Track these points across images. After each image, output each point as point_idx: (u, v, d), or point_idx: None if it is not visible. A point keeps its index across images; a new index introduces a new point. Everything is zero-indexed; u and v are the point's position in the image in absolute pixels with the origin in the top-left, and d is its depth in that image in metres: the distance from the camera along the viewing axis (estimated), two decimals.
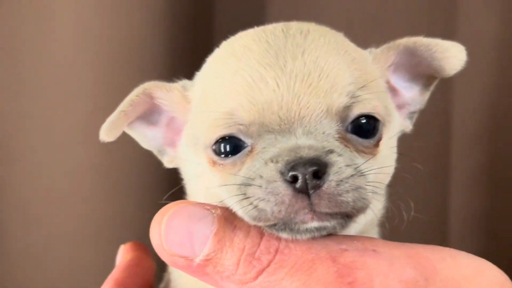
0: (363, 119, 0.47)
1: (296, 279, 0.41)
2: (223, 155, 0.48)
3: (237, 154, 0.47)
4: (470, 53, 0.95)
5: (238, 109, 0.46)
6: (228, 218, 0.44)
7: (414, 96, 0.57)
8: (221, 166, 0.48)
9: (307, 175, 0.41)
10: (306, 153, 0.42)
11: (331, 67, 0.46)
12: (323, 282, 0.41)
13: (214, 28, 0.97)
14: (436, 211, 1.03)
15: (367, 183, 0.44)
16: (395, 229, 1.00)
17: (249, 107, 0.46)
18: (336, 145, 0.44)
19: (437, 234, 1.03)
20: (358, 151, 0.46)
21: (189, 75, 0.59)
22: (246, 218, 0.44)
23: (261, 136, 0.46)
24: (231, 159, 0.47)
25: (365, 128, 0.47)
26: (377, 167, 0.46)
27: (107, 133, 0.54)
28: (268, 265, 0.42)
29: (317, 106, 0.45)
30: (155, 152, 0.61)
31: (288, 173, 0.41)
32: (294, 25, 0.51)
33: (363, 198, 0.43)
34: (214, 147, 0.48)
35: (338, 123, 0.46)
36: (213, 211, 0.44)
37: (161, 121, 0.59)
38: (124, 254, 0.62)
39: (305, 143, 0.43)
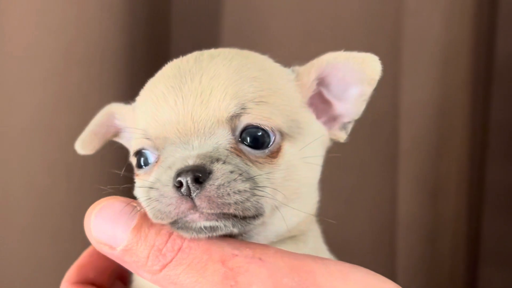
0: (252, 129, 0.51)
1: (190, 275, 0.47)
2: (139, 166, 0.55)
3: (148, 165, 0.53)
4: (416, 50, 1.00)
5: (147, 127, 0.53)
6: (147, 216, 0.50)
7: (347, 107, 0.59)
8: (139, 175, 0.55)
9: (189, 181, 0.46)
10: (193, 162, 0.47)
11: (224, 85, 0.51)
12: (211, 282, 0.47)
13: (171, 50, 0.99)
14: (385, 204, 1.06)
15: (257, 188, 0.49)
16: (348, 225, 1.03)
17: (154, 124, 0.52)
18: (225, 154, 0.49)
19: (385, 230, 1.07)
20: (252, 161, 0.51)
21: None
22: (150, 216, 0.50)
23: (165, 148, 0.51)
24: (144, 170, 0.54)
25: (256, 139, 0.51)
26: (272, 175, 0.51)
27: (81, 148, 0.62)
28: (170, 261, 0.48)
29: (208, 119, 0.50)
30: None
31: (176, 179, 0.47)
32: (210, 51, 0.56)
33: (248, 200, 0.48)
34: (134, 159, 0.55)
35: (229, 133, 0.51)
36: (138, 208, 0.50)
37: None
38: None
39: (195, 153, 0.49)
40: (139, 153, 0.54)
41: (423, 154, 1.02)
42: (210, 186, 0.47)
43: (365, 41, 1.01)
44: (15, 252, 0.92)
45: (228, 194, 0.47)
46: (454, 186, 1.07)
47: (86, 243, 0.64)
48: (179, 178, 0.47)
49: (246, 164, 0.50)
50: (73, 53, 0.89)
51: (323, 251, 0.63)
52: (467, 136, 1.06)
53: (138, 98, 0.58)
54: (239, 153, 0.50)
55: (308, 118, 0.57)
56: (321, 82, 0.59)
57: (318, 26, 1.00)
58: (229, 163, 0.48)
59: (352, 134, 0.89)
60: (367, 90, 0.58)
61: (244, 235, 0.52)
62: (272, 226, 0.53)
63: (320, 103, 0.59)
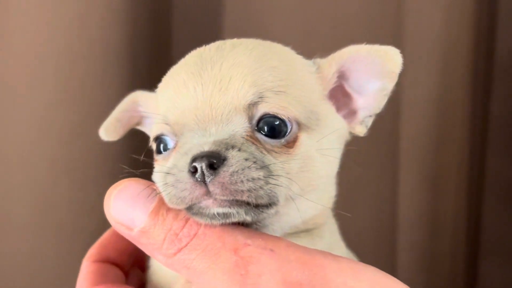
0: (269, 118, 0.51)
1: (204, 261, 0.48)
2: (158, 152, 0.55)
3: (167, 151, 0.54)
4: (417, 48, 1.00)
5: (167, 112, 0.53)
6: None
7: (367, 101, 0.59)
8: (158, 160, 0.55)
9: (203, 167, 0.47)
10: (208, 148, 0.48)
11: (243, 73, 0.52)
12: (223, 269, 0.48)
13: (172, 45, 1.00)
14: (386, 200, 1.07)
15: (271, 176, 0.49)
16: (349, 221, 1.04)
17: (173, 109, 0.52)
18: (240, 141, 0.50)
19: (386, 225, 1.07)
20: (268, 150, 0.51)
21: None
22: (166, 201, 0.50)
23: (184, 134, 0.52)
24: (162, 155, 0.54)
25: (273, 128, 0.52)
26: (287, 164, 0.51)
27: (105, 135, 0.63)
28: (186, 246, 0.49)
29: (226, 106, 0.51)
30: None
31: (191, 164, 0.48)
32: (232, 41, 0.57)
33: (261, 188, 0.48)
34: (154, 144, 0.56)
35: (246, 121, 0.51)
36: (157, 192, 0.51)
37: None
38: None
39: (211, 139, 0.49)
40: (158, 139, 0.55)
41: (423, 151, 1.03)
42: (224, 173, 0.47)
43: (365, 40, 1.01)
44: (17, 248, 0.92)
45: (242, 181, 0.47)
46: (455, 182, 1.07)
47: (88, 239, 0.65)
48: (194, 164, 0.47)
49: (262, 152, 0.50)
50: (75, 50, 0.89)
51: (340, 246, 0.63)
52: (467, 132, 1.06)
53: (160, 85, 0.58)
54: (255, 141, 0.51)
55: (327, 110, 0.57)
56: (342, 75, 0.58)
57: (318, 25, 1.00)
58: (244, 150, 0.49)
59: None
60: (388, 84, 0.57)
61: (258, 223, 0.52)
62: (286, 217, 0.54)
63: (341, 96, 0.59)
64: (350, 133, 0.60)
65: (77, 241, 0.80)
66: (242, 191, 0.47)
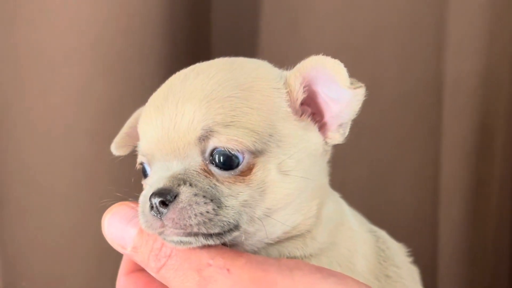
0: (220, 152, 0.53)
1: (176, 280, 0.53)
2: (144, 176, 0.59)
3: (147, 177, 0.58)
4: (461, 22, 0.98)
5: (141, 143, 0.57)
6: None
7: (342, 107, 0.57)
8: (143, 184, 0.59)
9: (157, 203, 0.51)
10: (163, 184, 0.52)
11: (194, 107, 0.54)
12: None
13: (211, 19, 1.00)
14: (427, 179, 1.06)
15: (220, 208, 0.52)
16: (389, 197, 1.03)
17: (145, 141, 0.57)
18: (193, 176, 0.53)
19: (427, 202, 1.07)
20: (222, 181, 0.53)
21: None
22: (142, 227, 0.55)
23: (154, 164, 0.56)
24: (145, 181, 0.58)
25: (225, 161, 0.54)
26: (241, 194, 0.54)
27: (117, 149, 0.66)
28: (164, 265, 0.54)
29: (180, 140, 0.53)
30: None
31: (150, 200, 0.52)
32: (201, 66, 0.58)
33: (210, 221, 0.52)
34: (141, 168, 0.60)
35: (200, 155, 0.54)
36: None
37: None
38: None
39: (169, 174, 0.53)
40: (141, 164, 0.59)
41: (467, 127, 1.01)
42: (174, 209, 0.51)
43: (410, 12, 1.00)
44: (61, 221, 0.94)
45: (189, 216, 0.51)
46: (499, 159, 1.05)
47: None
48: (151, 200, 0.52)
49: (215, 184, 0.53)
50: (115, 23, 0.89)
51: (345, 239, 0.62)
52: None
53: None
54: (208, 174, 0.53)
55: (293, 128, 0.57)
56: (310, 84, 0.57)
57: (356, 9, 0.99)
58: (195, 185, 0.52)
59: (394, 106, 0.86)
60: (355, 92, 0.55)
61: (231, 241, 0.55)
62: (259, 233, 0.56)
63: (313, 106, 0.58)
64: (327, 143, 0.59)
65: None
66: (191, 225, 0.51)
